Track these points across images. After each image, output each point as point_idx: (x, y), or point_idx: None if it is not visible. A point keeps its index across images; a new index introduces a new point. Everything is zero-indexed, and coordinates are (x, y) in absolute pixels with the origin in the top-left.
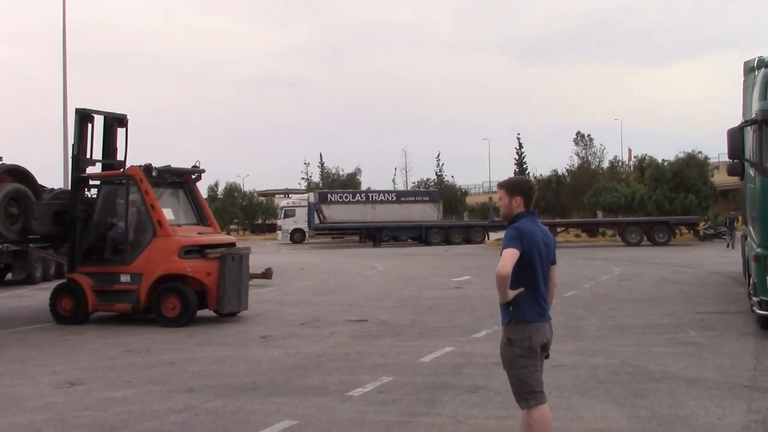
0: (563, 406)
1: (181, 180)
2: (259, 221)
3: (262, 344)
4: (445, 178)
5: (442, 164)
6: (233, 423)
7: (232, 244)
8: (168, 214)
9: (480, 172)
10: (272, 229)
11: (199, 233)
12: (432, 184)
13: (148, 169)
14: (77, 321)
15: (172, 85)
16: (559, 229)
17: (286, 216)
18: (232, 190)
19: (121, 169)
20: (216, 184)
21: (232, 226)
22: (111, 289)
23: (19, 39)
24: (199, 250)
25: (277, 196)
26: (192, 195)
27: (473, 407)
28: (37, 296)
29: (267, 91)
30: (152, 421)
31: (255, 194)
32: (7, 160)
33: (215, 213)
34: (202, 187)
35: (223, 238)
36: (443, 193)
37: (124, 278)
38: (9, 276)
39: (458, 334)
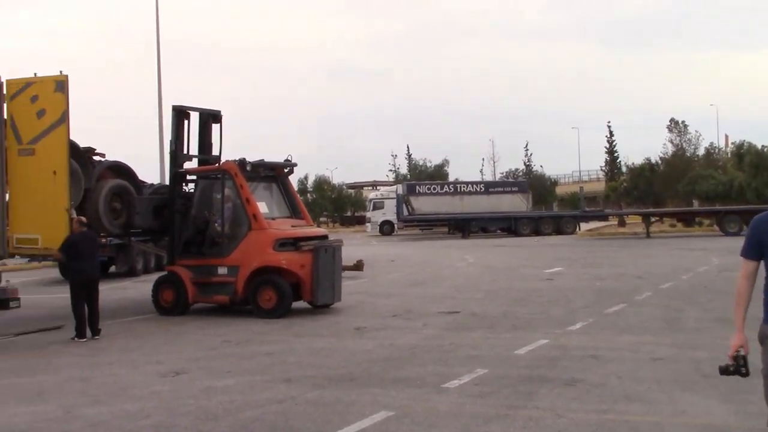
0: (664, 400)
1: (275, 174)
2: (348, 213)
3: (356, 335)
4: (534, 168)
5: (531, 154)
6: (332, 413)
7: (325, 237)
8: (262, 207)
9: (569, 161)
10: (361, 221)
11: (292, 226)
12: (520, 174)
13: (242, 163)
14: (178, 312)
15: (261, 79)
16: (653, 219)
17: (375, 208)
18: (322, 183)
19: (217, 164)
20: (306, 177)
21: (321, 219)
22: (209, 281)
23: (114, 38)
24: (293, 243)
25: (365, 188)
26: (285, 188)
27: (571, 401)
28: (139, 288)
29: (354, 82)
30: (254, 410)
31: (344, 187)
32: (108, 157)
33: (305, 206)
34: (293, 181)
35: (316, 230)
36: (532, 183)
37: (222, 271)
38: (112, 269)
39: (553, 326)
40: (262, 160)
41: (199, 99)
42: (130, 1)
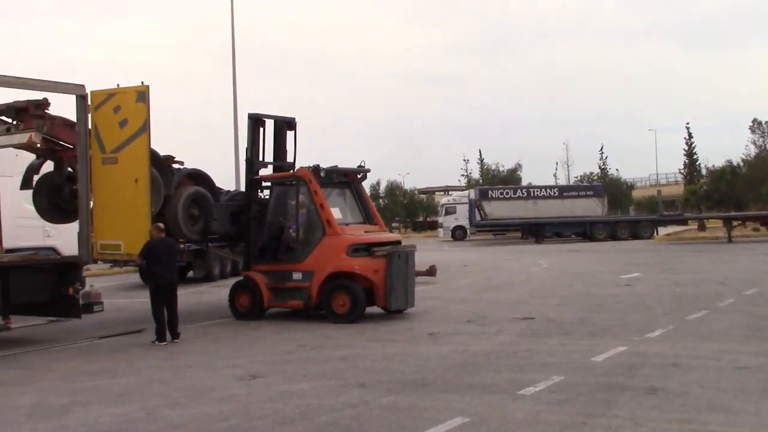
0: (750, 410)
1: (348, 180)
2: (420, 219)
3: (430, 341)
4: (609, 172)
5: (606, 157)
6: (407, 418)
7: (398, 242)
8: (336, 213)
9: (646, 164)
10: (433, 226)
11: (366, 231)
12: (595, 177)
13: (316, 170)
14: (254, 317)
15: (333, 85)
16: (735, 223)
17: (447, 213)
18: (394, 189)
19: (291, 171)
20: (378, 183)
21: (393, 224)
22: (284, 286)
23: (189, 49)
24: (366, 249)
25: (437, 193)
26: (358, 194)
27: (651, 409)
28: (216, 293)
29: (425, 88)
30: (329, 415)
31: (416, 192)
32: (186, 165)
33: (377, 211)
34: (365, 186)
35: (389, 236)
36: (607, 187)
37: (296, 276)
38: (190, 273)
39: (631, 333)
40: (336, 166)
41: (273, 106)
42: (207, 12)
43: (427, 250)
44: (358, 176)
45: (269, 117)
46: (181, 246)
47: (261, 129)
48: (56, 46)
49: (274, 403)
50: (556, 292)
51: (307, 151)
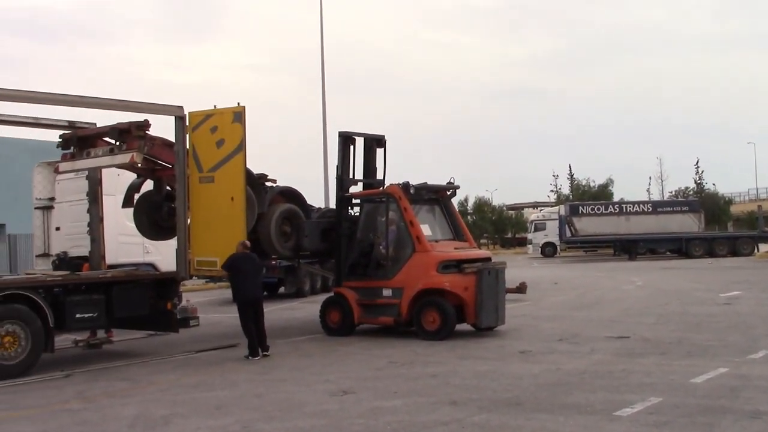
0: None
1: (437, 196)
2: (509, 235)
3: (521, 359)
4: (706, 186)
5: (702, 171)
6: None
7: (488, 259)
8: (425, 230)
9: (745, 178)
10: (522, 242)
11: (455, 248)
12: (691, 192)
13: (406, 187)
14: (344, 333)
15: (421, 103)
16: None
17: (536, 229)
18: (482, 205)
19: (381, 188)
20: (465, 199)
21: (482, 241)
22: (374, 302)
23: (281, 69)
24: (456, 265)
25: (526, 209)
26: (448, 210)
27: None
28: (307, 308)
29: (514, 103)
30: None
31: (504, 208)
32: (279, 182)
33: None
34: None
35: (479, 252)
36: (704, 202)
37: (386, 292)
38: (281, 290)
39: (732, 354)
40: (425, 183)
41: (361, 124)
42: (297, 34)
43: (516, 267)
44: (448, 193)
45: (359, 135)
46: (273, 262)
47: (351, 147)
48: (153, 69)
49: (365, 419)
50: (651, 311)
51: (397, 169)
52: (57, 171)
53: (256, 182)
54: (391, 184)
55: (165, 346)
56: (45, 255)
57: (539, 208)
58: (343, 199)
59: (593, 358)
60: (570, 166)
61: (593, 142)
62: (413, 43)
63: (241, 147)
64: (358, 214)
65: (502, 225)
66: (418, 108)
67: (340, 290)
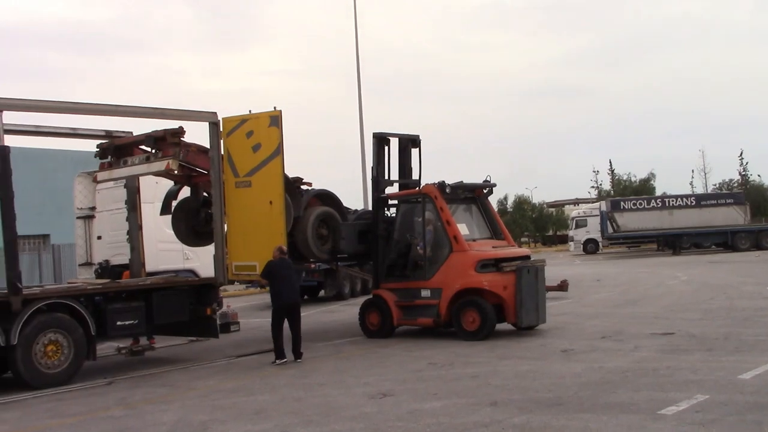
0: None
1: (474, 195)
2: (550, 233)
3: (563, 358)
4: (751, 178)
5: (746, 163)
6: None
7: (527, 257)
8: (463, 229)
9: None
10: (564, 240)
11: (493, 247)
12: (735, 185)
13: (442, 186)
14: (384, 334)
15: (459, 103)
16: None
17: (577, 226)
18: (522, 203)
19: (417, 188)
20: (505, 198)
21: (523, 239)
22: (413, 303)
23: (315, 74)
24: (494, 264)
25: (567, 206)
26: (485, 209)
27: None
28: (347, 311)
29: (553, 100)
30: None
31: (544, 206)
32: (318, 185)
33: (506, 226)
34: (492, 201)
35: (517, 251)
36: (749, 195)
37: (425, 293)
38: (322, 293)
39: None
40: (461, 181)
41: (400, 125)
42: (333, 38)
43: (558, 265)
44: (484, 191)
45: (394, 135)
46: (312, 266)
47: (386, 147)
48: (192, 78)
49: (404, 421)
50: (697, 306)
51: (436, 169)
52: (95, 180)
53: (291, 186)
54: (426, 184)
55: (206, 352)
56: (87, 264)
57: (580, 205)
58: (379, 200)
59: (637, 355)
60: (610, 162)
61: (634, 136)
62: (449, 44)
63: (279, 151)
64: (394, 215)
65: (542, 223)
66: (456, 108)
67: (378, 292)
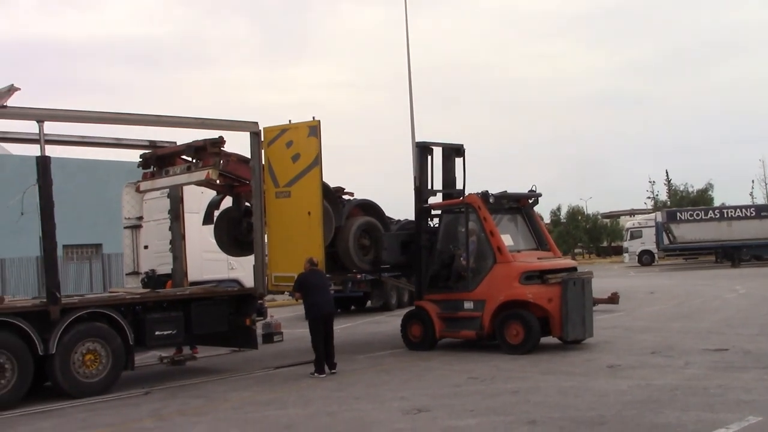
0: None
1: (519, 205)
2: (605, 244)
3: (609, 374)
4: None
5: None
6: None
7: (574, 269)
8: (507, 240)
9: None
10: (618, 251)
11: (539, 258)
12: None
13: (485, 196)
14: (426, 347)
15: (515, 113)
16: None
17: (632, 237)
18: (575, 214)
19: (461, 198)
20: (558, 208)
21: (576, 250)
22: (456, 315)
23: (369, 84)
24: (539, 276)
25: (622, 217)
26: (530, 220)
27: None
28: (392, 322)
29: (610, 110)
30: None
31: (599, 216)
32: (370, 196)
33: (558, 237)
34: (544, 212)
35: (563, 262)
36: None
37: (468, 305)
38: (369, 303)
39: None
40: (505, 191)
41: (452, 135)
42: (383, 48)
43: (611, 277)
44: (530, 201)
45: (437, 144)
46: (358, 276)
47: (429, 157)
48: (250, 91)
49: None
50: (754, 321)
51: (489, 178)
52: (138, 190)
53: (333, 195)
54: (470, 194)
55: (246, 362)
56: (135, 273)
57: (635, 216)
58: (422, 210)
59: (687, 372)
60: (667, 172)
61: (692, 146)
62: (506, 53)
63: (317, 161)
64: (437, 225)
65: (596, 233)
66: (512, 118)
67: (420, 303)
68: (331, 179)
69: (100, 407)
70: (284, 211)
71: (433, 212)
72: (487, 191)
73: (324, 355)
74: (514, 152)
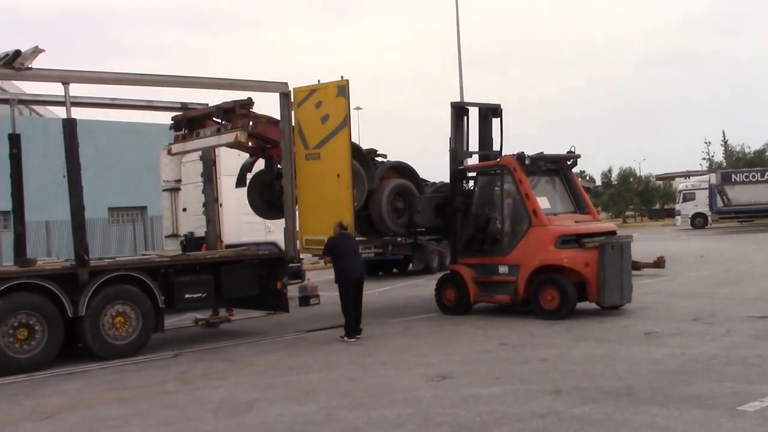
0: None
1: (557, 167)
2: (657, 206)
3: (644, 342)
4: None
5: None
6: None
7: (612, 232)
8: (543, 202)
9: None
10: (671, 214)
11: (576, 222)
12: None
13: (521, 157)
14: (460, 312)
15: (567, 73)
16: None
17: (684, 200)
18: (627, 176)
19: (496, 160)
20: (609, 170)
21: (628, 213)
22: (490, 280)
23: (418, 46)
24: (576, 240)
25: (676, 179)
26: (568, 182)
27: None
28: (431, 286)
29: (663, 69)
30: (512, 425)
31: (652, 178)
32: (409, 159)
33: (609, 200)
34: (595, 174)
35: (601, 225)
36: None
37: (502, 269)
38: (411, 267)
39: None
40: (542, 152)
41: (505, 97)
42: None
43: (661, 240)
44: (568, 162)
45: (473, 105)
46: (398, 239)
47: (464, 118)
48: (300, 53)
49: (456, 408)
50: None
51: (541, 140)
52: (169, 153)
53: (365, 158)
54: (505, 156)
55: (279, 326)
56: (173, 236)
57: (690, 178)
58: (457, 172)
59: (727, 341)
60: (723, 132)
61: (750, 106)
62: (560, 11)
63: (346, 122)
64: (473, 187)
65: (648, 196)
66: (567, 78)
67: (455, 267)
68: (380, 141)
69: (128, 369)
70: (314, 173)
71: (469, 174)
72: (522, 153)
73: (353, 319)
74: (569, 114)
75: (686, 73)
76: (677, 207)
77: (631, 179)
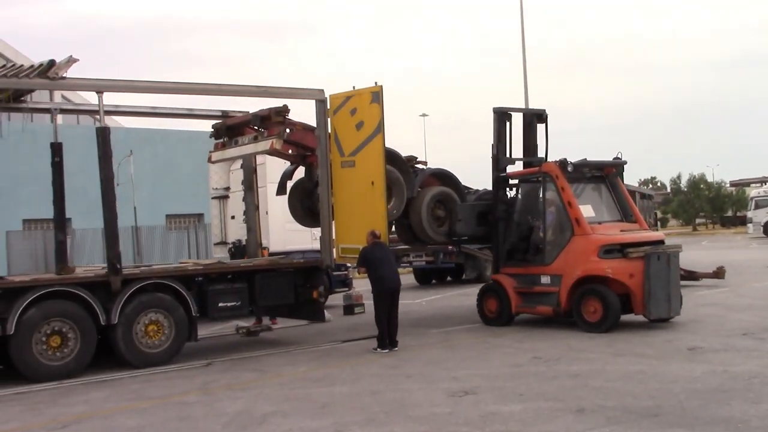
0: None
1: (602, 174)
2: (729, 213)
3: (686, 358)
4: None
5: None
6: None
7: (660, 242)
8: (587, 210)
9: None
10: (744, 221)
11: (621, 230)
12: None
13: (563, 164)
14: (502, 322)
15: (635, 77)
16: None
17: (757, 207)
18: (698, 182)
19: (537, 167)
20: (678, 177)
21: (698, 220)
22: (532, 290)
23: (487, 52)
24: (620, 249)
25: (751, 185)
26: (615, 189)
27: None
28: None
29: (738, 72)
30: None
31: (723, 184)
32: (463, 165)
33: (678, 207)
34: (665, 181)
35: (648, 235)
36: None
37: (544, 279)
38: (464, 275)
39: None
40: (585, 159)
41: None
42: (500, 13)
43: (730, 248)
44: (614, 169)
45: (517, 110)
46: (450, 248)
47: (507, 123)
48: (355, 58)
49: (469, 426)
50: None
51: (605, 145)
52: (209, 160)
53: (404, 165)
54: (547, 162)
55: (318, 335)
56: (222, 243)
57: (766, 184)
58: (499, 179)
59: None
60: None
61: None
62: (628, 16)
63: (380, 128)
64: (516, 195)
65: (720, 203)
66: (636, 83)
67: (497, 277)
68: (438, 147)
69: (156, 378)
70: (349, 181)
71: (512, 182)
72: (565, 159)
73: (387, 330)
74: (639, 119)
75: (761, 76)
76: (749, 214)
77: (702, 185)
